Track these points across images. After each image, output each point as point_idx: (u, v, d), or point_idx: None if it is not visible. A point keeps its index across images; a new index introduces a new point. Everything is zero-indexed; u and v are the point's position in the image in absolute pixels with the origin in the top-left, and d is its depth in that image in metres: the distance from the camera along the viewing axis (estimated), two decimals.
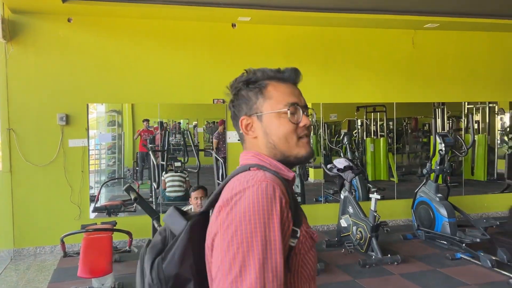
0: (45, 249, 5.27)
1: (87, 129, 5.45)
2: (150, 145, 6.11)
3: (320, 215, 6.22)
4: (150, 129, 6.24)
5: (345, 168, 5.25)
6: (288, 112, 1.07)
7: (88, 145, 5.47)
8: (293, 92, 1.12)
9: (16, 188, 5.19)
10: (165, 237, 1.06)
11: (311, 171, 6.91)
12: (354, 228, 4.88)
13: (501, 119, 7.27)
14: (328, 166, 5.36)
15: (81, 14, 5.32)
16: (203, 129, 6.65)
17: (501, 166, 7.42)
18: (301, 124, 1.08)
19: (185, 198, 6.08)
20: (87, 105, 5.47)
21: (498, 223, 4.68)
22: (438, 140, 5.04)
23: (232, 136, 5.96)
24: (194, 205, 4.09)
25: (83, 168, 5.39)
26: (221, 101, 5.86)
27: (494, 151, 7.23)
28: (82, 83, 5.40)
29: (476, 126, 7.16)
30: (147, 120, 6.19)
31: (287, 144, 1.08)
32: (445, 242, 5.09)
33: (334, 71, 6.21)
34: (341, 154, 6.66)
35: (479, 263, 4.47)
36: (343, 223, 5.09)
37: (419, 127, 7.38)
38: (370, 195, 4.77)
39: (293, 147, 1.09)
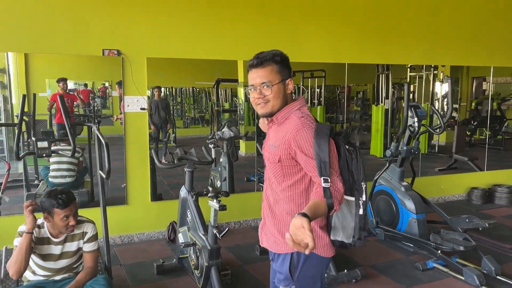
0: None
1: None
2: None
3: (252, 206, 4.85)
4: (71, 93, 4.51)
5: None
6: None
7: None
8: (250, 77, 1.75)
9: None
10: None
11: (242, 144, 5.48)
12: (191, 252, 3.28)
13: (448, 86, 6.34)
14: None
15: None
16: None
17: (442, 138, 6.65)
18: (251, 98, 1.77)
19: (76, 185, 4.43)
20: None
21: (487, 224, 3.58)
22: (410, 113, 3.79)
23: (131, 104, 4.27)
24: (60, 226, 2.38)
25: None
26: (115, 52, 4.11)
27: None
28: None
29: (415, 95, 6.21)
30: (64, 80, 4.36)
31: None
32: (410, 244, 3.96)
33: (273, 19, 4.69)
34: None
35: (461, 277, 3.37)
36: (180, 239, 3.51)
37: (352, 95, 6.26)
38: (209, 202, 3.02)
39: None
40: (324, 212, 1.55)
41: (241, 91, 5.23)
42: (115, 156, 4.26)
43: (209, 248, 2.93)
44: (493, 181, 6.05)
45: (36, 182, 4.51)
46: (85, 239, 2.44)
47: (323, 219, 1.72)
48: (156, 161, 3.46)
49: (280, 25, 4.72)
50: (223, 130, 5.32)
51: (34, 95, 3.96)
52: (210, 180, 5.24)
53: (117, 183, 4.32)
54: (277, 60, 1.71)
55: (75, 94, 4.56)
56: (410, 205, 3.95)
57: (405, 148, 3.99)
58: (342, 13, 5.01)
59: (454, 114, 6.67)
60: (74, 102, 4.57)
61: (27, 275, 2.43)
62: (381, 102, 6.23)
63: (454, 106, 6.50)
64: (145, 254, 4.03)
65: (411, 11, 5.36)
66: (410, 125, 3.86)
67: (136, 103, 4.27)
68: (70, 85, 4.50)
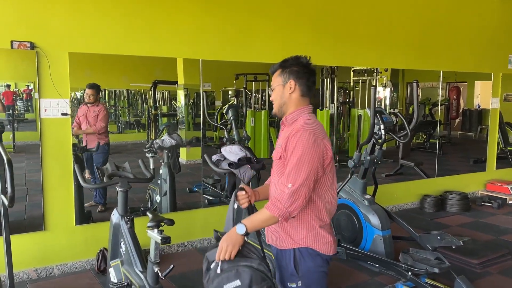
0: None
1: None
2: None
3: (198, 224, 4.27)
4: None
5: (241, 162, 3.33)
6: None
7: None
8: None
9: None
10: None
11: (184, 151, 4.89)
12: None
13: (390, 91, 6.26)
14: (214, 157, 3.39)
15: None
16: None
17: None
18: None
19: None
20: None
21: (461, 242, 3.28)
22: (376, 119, 3.42)
23: (49, 108, 3.51)
24: None
25: None
26: (28, 45, 3.34)
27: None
28: None
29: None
30: None
31: None
32: (375, 264, 3.60)
33: (219, 13, 4.16)
34: (225, 133, 4.81)
35: None
36: (112, 276, 2.82)
37: None
38: (148, 232, 2.39)
39: None
40: (265, 218, 1.73)
41: (180, 94, 4.67)
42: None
43: None
44: (444, 188, 5.96)
45: None
46: None
47: (324, 219, 1.81)
48: (80, 179, 2.78)
49: (226, 20, 4.19)
50: (163, 138, 4.70)
51: None
52: (148, 195, 4.58)
53: (37, 199, 3.54)
54: (281, 65, 1.86)
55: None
56: (374, 220, 3.59)
57: (368, 158, 3.63)
58: (295, 11, 4.60)
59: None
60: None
61: None
62: (326, 107, 5.96)
63: (395, 111, 6.38)
64: None
65: (364, 13, 5.08)
66: (375, 133, 3.50)
67: (55, 107, 3.52)
68: None
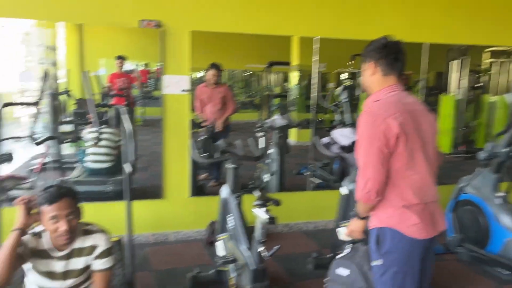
0: None
1: None
2: None
3: (304, 207, 4.20)
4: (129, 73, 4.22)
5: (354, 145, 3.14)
6: None
7: None
8: None
9: None
10: None
11: (294, 132, 4.85)
12: (231, 268, 2.67)
13: None
14: (325, 140, 3.25)
15: None
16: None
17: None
18: None
19: (113, 171, 3.96)
20: None
21: None
22: None
23: (171, 85, 3.71)
24: (50, 231, 1.85)
25: None
26: (154, 24, 3.55)
27: None
28: None
29: None
30: (122, 58, 4.06)
31: None
32: (507, 272, 3.13)
33: None
34: (338, 116, 4.63)
35: None
36: (219, 250, 2.88)
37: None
38: (255, 210, 2.35)
39: None
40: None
41: (293, 75, 4.59)
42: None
43: (253, 268, 2.32)
44: None
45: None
46: (95, 254, 1.90)
47: (408, 199, 1.75)
48: (193, 154, 2.89)
49: None
50: (274, 118, 4.70)
51: (86, 73, 3.54)
52: (257, 173, 4.63)
53: (158, 169, 3.81)
54: (363, 51, 1.90)
55: (134, 74, 4.16)
56: (507, 221, 3.12)
57: (504, 149, 3.14)
58: None
59: None
60: (132, 84, 4.23)
61: None
62: (451, 92, 5.34)
63: None
64: (179, 258, 3.50)
65: None
66: None
67: (177, 84, 3.70)
68: (128, 65, 4.15)
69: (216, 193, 3.87)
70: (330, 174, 4.50)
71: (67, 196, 1.78)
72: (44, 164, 3.90)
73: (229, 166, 2.75)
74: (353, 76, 5.00)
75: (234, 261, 2.50)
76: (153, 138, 3.98)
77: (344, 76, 4.95)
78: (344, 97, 4.62)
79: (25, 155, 4.03)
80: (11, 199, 3.13)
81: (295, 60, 4.44)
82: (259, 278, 2.33)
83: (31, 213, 1.78)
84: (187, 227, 3.91)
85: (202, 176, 4.26)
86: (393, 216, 1.76)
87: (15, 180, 3.92)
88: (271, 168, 4.44)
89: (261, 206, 2.30)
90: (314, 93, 4.18)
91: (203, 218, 3.88)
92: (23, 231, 1.73)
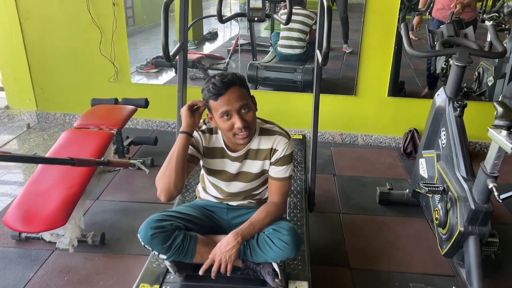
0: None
1: None
2: None
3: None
4: None
5: None
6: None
7: None
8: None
9: (27, 31, 3.43)
10: None
11: None
12: (437, 197, 2.03)
13: None
14: None
15: None
16: None
17: None
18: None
19: (304, 59, 3.71)
20: None
21: None
22: None
23: None
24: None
25: None
26: None
27: None
28: None
29: None
30: None
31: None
32: None
33: None
34: None
35: None
36: (421, 168, 2.28)
37: None
38: (491, 132, 1.63)
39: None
40: None
41: None
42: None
43: (472, 207, 1.69)
44: None
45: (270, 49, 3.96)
46: (273, 159, 1.56)
47: None
48: (405, 42, 2.18)
49: None
50: None
51: None
52: (476, 74, 3.61)
53: (353, 59, 3.26)
54: None
55: None
56: None
57: None
58: None
59: None
60: None
61: (200, 188, 1.79)
62: None
63: None
64: (368, 166, 3.04)
65: None
66: None
67: None
68: None
69: (418, 95, 3.17)
70: None
71: (235, 85, 1.42)
72: (237, 46, 3.78)
73: (455, 63, 1.98)
74: None
75: (445, 192, 1.90)
76: (352, 24, 3.37)
77: None
78: None
79: (227, 35, 4.04)
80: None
81: None
82: (479, 221, 1.70)
83: (195, 114, 1.51)
84: (380, 131, 3.36)
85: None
86: None
87: (213, 59, 3.97)
88: (500, 68, 3.37)
89: (502, 127, 1.56)
90: None
91: (401, 124, 3.26)
92: (189, 134, 1.48)
